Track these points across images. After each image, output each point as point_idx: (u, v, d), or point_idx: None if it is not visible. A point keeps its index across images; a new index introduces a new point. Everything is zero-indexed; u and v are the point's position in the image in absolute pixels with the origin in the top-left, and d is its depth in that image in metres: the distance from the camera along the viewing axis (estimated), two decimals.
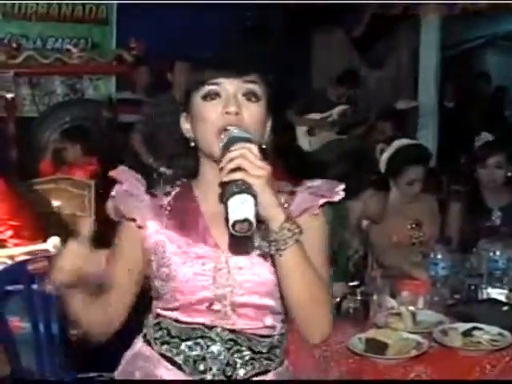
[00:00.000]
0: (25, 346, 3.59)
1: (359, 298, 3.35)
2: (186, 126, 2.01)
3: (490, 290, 3.59)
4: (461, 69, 9.27)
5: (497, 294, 3.57)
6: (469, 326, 3.15)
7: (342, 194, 2.04)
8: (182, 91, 2.03)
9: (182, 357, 1.97)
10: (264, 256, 1.93)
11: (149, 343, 2.04)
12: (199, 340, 1.96)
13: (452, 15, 7.69)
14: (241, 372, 1.97)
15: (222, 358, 1.96)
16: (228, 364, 1.96)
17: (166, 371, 1.99)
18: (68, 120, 7.10)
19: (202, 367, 1.96)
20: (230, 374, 1.96)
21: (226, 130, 1.85)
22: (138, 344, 2.08)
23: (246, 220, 1.69)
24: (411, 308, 3.32)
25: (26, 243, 4.63)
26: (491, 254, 3.74)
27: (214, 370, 1.95)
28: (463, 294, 3.60)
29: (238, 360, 1.96)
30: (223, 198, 1.74)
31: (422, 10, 7.75)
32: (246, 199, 1.71)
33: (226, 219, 1.71)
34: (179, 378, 1.97)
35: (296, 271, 1.86)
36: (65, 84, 7.76)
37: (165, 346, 1.99)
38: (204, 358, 1.96)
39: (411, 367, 2.90)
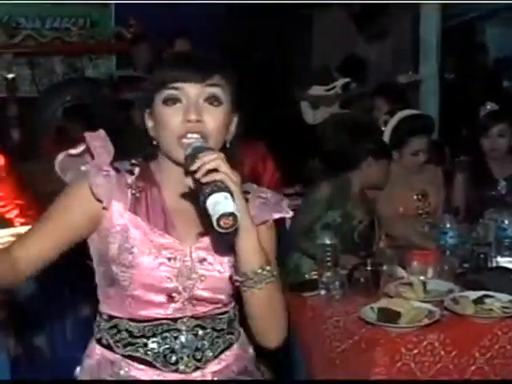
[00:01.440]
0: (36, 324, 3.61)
1: (369, 268, 3.36)
2: (149, 123, 1.95)
3: (499, 258, 3.63)
4: (461, 40, 9.24)
5: (506, 262, 3.60)
6: (480, 293, 3.18)
7: (290, 212, 2.03)
8: (146, 89, 1.95)
9: (151, 354, 1.95)
10: (225, 253, 1.92)
11: (109, 347, 1.97)
12: (166, 334, 1.94)
13: None
14: (209, 353, 1.97)
15: (190, 345, 1.95)
16: (197, 349, 1.96)
17: (138, 371, 1.95)
18: (69, 99, 7.02)
19: (173, 359, 1.95)
20: (199, 357, 1.96)
21: (186, 136, 1.84)
22: (95, 350, 2.01)
23: (231, 214, 1.66)
24: (421, 277, 3.34)
25: (32, 222, 4.63)
26: (499, 223, 3.75)
27: (185, 358, 1.95)
28: (472, 262, 3.62)
29: (205, 343, 1.97)
30: (201, 198, 1.70)
31: None
32: (226, 196, 1.69)
33: (207, 217, 1.69)
34: (152, 374, 1.95)
35: (263, 302, 1.88)
36: (64, 63, 7.73)
37: (129, 347, 1.95)
38: (173, 350, 1.95)
39: (424, 335, 2.93)
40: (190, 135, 1.83)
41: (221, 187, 1.70)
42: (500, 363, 3.00)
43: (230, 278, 1.90)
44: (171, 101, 1.87)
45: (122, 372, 1.95)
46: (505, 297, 3.14)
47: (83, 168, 1.96)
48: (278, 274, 1.91)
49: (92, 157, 1.96)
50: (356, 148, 4.20)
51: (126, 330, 1.95)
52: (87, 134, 2.01)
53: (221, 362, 1.99)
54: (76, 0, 7.55)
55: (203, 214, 1.75)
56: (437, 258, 3.55)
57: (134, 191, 1.94)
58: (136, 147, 2.06)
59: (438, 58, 7.96)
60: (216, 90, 1.88)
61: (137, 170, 1.98)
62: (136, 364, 1.95)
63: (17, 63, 7.32)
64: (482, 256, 3.61)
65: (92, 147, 1.97)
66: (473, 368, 2.97)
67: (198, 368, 1.96)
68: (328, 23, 9.00)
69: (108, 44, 7.69)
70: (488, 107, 4.76)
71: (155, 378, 1.94)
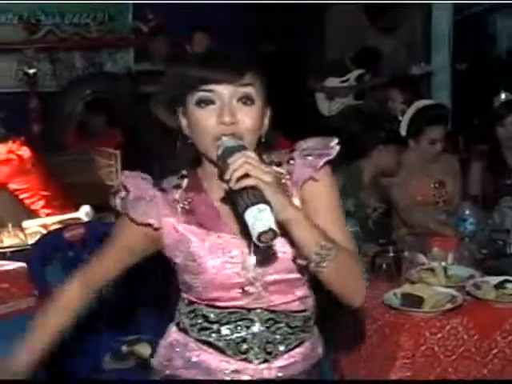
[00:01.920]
0: None
1: (391, 254, 3.36)
2: (183, 122, 1.96)
3: None
4: (472, 32, 9.21)
5: None
6: (500, 278, 3.18)
7: (337, 148, 1.97)
8: (176, 89, 1.94)
9: (223, 341, 1.97)
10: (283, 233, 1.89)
11: (184, 331, 2.03)
12: (239, 322, 1.96)
13: None
14: (280, 348, 1.98)
15: (262, 337, 1.97)
16: (268, 342, 1.97)
17: (207, 355, 1.99)
18: (89, 93, 7.08)
19: (243, 348, 1.97)
20: (270, 350, 1.98)
21: (221, 138, 1.84)
22: (173, 333, 2.07)
23: (269, 230, 1.66)
24: (442, 263, 3.34)
25: (57, 212, 4.66)
26: None
27: (256, 349, 1.97)
28: (490, 249, 3.61)
29: (277, 337, 1.98)
30: (238, 209, 1.71)
31: None
32: (262, 208, 1.68)
33: (247, 229, 1.70)
34: (221, 361, 1.97)
35: (333, 273, 1.85)
36: (84, 58, 7.79)
37: (203, 332, 1.99)
38: (245, 340, 1.97)
39: (447, 320, 2.93)
40: (224, 138, 1.83)
41: (255, 196, 1.69)
42: None
43: (295, 257, 1.89)
44: (204, 103, 1.87)
45: (193, 357, 2.00)
46: None
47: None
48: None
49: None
50: (367, 136, 4.19)
51: (203, 316, 1.99)
52: (123, 176, 2.08)
53: (290, 359, 2.00)
54: None
55: None
56: (456, 244, 3.56)
57: (182, 204, 1.98)
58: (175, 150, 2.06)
59: (449, 50, 7.95)
60: (249, 89, 1.87)
61: (185, 182, 2.01)
62: (207, 348, 1.98)
63: (38, 58, 7.32)
64: (501, 242, 3.60)
65: (128, 185, 2.02)
66: (495, 351, 2.97)
67: (266, 361, 1.97)
68: (341, 15, 8.97)
69: (126, 38, 7.72)
70: (503, 97, 4.76)
71: (223, 364, 1.97)
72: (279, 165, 1.97)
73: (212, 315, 1.97)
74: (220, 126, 1.84)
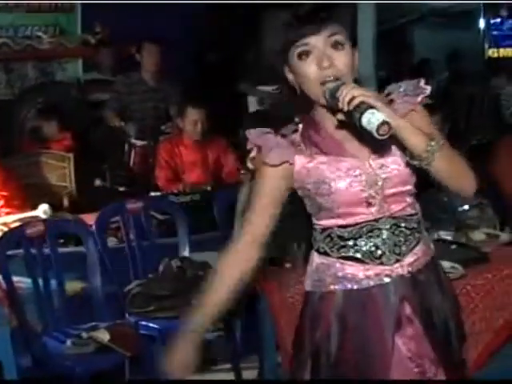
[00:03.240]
0: (27, 303, 3.66)
1: None
2: (290, 76, 2.14)
3: (440, 231, 3.73)
4: (393, 43, 9.44)
5: (444, 234, 3.71)
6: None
7: (428, 88, 2.15)
8: (279, 46, 2.13)
9: (360, 252, 2.14)
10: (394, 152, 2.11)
11: (325, 254, 2.19)
12: (370, 234, 2.14)
13: None
14: (404, 248, 2.14)
15: (390, 241, 2.13)
16: (395, 244, 2.13)
17: (350, 267, 2.15)
18: (41, 101, 7.07)
19: (378, 253, 2.14)
20: (398, 251, 2.14)
21: (325, 81, 2.02)
22: (315, 258, 2.22)
23: (384, 122, 1.86)
24: None
25: (16, 211, 4.67)
26: (440, 201, 3.87)
27: (387, 252, 2.13)
28: None
29: (401, 239, 2.14)
30: (357, 124, 1.90)
31: None
32: (373, 112, 1.88)
33: (368, 133, 1.90)
34: (363, 269, 2.14)
35: (445, 165, 2.02)
36: (36, 68, 7.73)
37: (342, 250, 2.15)
38: (377, 246, 2.13)
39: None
40: (328, 79, 2.01)
41: (364, 107, 1.88)
42: None
43: (408, 165, 2.07)
44: (304, 54, 2.05)
45: (338, 272, 2.16)
46: (446, 263, 3.21)
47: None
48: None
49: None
50: None
51: (338, 236, 2.16)
52: (249, 143, 2.22)
53: (413, 256, 2.15)
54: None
55: (361, 132, 1.95)
56: None
57: (303, 143, 2.17)
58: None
59: (373, 59, 8.07)
60: (338, 37, 2.05)
61: (300, 126, 2.20)
62: (349, 262, 2.15)
63: None
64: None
65: (258, 142, 2.19)
66: None
67: (397, 260, 2.14)
68: (277, 23, 9.04)
69: (76, 50, 7.70)
70: None
71: (364, 273, 2.15)
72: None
73: (346, 234, 2.14)
74: (321, 72, 2.03)
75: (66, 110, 6.80)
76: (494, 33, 10.63)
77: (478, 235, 3.66)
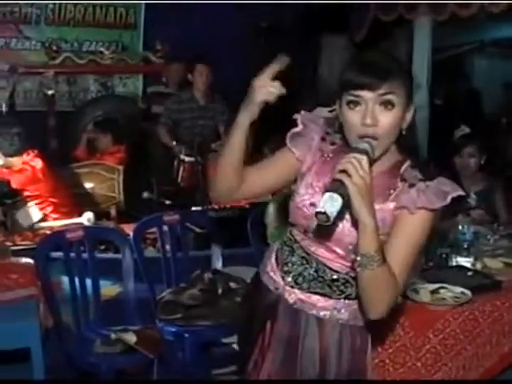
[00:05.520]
0: (64, 304, 3.83)
1: None
2: (338, 111, 2.21)
3: (458, 258, 3.83)
4: (449, 71, 9.47)
5: (463, 261, 3.80)
6: (436, 285, 3.37)
7: (448, 198, 2.17)
8: (336, 85, 2.20)
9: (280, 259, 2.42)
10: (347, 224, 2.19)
11: None
12: (287, 248, 2.39)
13: (442, 21, 7.82)
14: (304, 285, 2.32)
15: (298, 268, 2.34)
16: (301, 275, 2.33)
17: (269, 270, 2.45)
18: (100, 113, 7.33)
19: (285, 269, 2.37)
20: (300, 283, 2.33)
21: (363, 137, 2.09)
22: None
23: (324, 213, 1.92)
24: None
25: (63, 217, 4.94)
26: (460, 227, 3.96)
27: (291, 276, 2.35)
28: (435, 261, 3.82)
29: (306, 275, 2.32)
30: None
31: (414, 16, 7.89)
32: (336, 198, 1.93)
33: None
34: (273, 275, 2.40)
35: (366, 283, 2.08)
36: (98, 82, 8.08)
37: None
38: (287, 263, 2.37)
39: (386, 319, 3.12)
40: (366, 139, 2.08)
41: (338, 187, 1.95)
42: (450, 344, 3.20)
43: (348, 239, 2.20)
44: (353, 103, 2.11)
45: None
46: (457, 288, 3.33)
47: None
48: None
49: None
50: None
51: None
52: (302, 118, 2.39)
53: (307, 299, 2.37)
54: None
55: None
56: None
57: (323, 155, 2.32)
58: None
59: (428, 86, 8.15)
60: (390, 97, 2.09)
61: (338, 142, 2.32)
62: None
63: (56, 81, 7.62)
64: (444, 256, 3.83)
65: (300, 123, 2.37)
66: (427, 347, 3.16)
67: (292, 287, 2.38)
68: (334, 48, 9.19)
69: (137, 66, 7.95)
70: (461, 130, 5.00)
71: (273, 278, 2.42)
72: (402, 179, 2.21)
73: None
74: (363, 128, 2.10)
75: (123, 123, 7.03)
76: None
77: (495, 263, 3.74)
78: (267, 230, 4.36)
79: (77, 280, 3.87)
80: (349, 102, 2.11)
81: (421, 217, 2.15)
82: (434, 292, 3.33)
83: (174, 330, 3.83)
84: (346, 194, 1.94)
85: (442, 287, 3.37)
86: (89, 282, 3.92)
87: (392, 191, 2.19)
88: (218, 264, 4.37)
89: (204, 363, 4.09)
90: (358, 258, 2.03)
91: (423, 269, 3.70)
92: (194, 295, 3.98)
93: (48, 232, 4.37)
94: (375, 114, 2.08)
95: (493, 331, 3.32)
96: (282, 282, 2.35)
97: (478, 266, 3.71)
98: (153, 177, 6.28)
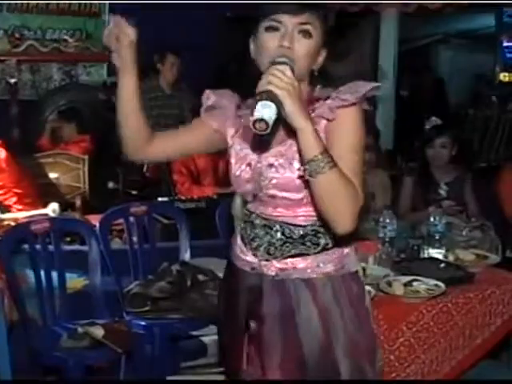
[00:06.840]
0: (29, 298, 3.75)
1: None
2: (252, 47, 2.21)
3: (430, 250, 3.81)
4: (414, 62, 9.49)
5: (435, 253, 3.79)
6: (410, 278, 3.36)
7: (368, 87, 2.11)
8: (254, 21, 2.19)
9: (246, 238, 2.34)
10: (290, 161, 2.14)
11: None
12: (247, 224, 2.33)
13: (409, 13, 7.84)
14: (277, 253, 2.23)
15: (265, 238, 2.26)
16: (269, 244, 2.25)
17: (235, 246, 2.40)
18: (64, 102, 7.20)
19: (254, 245, 2.29)
20: (272, 252, 2.24)
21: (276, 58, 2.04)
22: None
23: (262, 120, 1.86)
24: (362, 264, 3.52)
25: (27, 209, 4.80)
26: (431, 219, 3.94)
27: (261, 248, 2.26)
28: (408, 252, 3.81)
29: (275, 241, 2.24)
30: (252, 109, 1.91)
31: (381, 8, 7.90)
32: (269, 105, 1.87)
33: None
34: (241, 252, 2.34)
35: (325, 190, 1.99)
36: (61, 70, 7.91)
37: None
38: (253, 239, 2.29)
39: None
40: (279, 59, 2.03)
41: (266, 96, 1.88)
42: (424, 336, 3.20)
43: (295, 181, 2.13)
44: (272, 29, 2.12)
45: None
46: (431, 281, 3.33)
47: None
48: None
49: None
50: None
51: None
52: (211, 92, 2.40)
53: (284, 265, 2.26)
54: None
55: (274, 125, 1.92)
56: (376, 247, 3.73)
57: (243, 119, 2.29)
58: None
59: (394, 77, 8.18)
60: (309, 27, 2.11)
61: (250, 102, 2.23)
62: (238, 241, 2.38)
63: (19, 69, 7.49)
64: (416, 247, 3.81)
65: (212, 95, 2.39)
66: (401, 340, 3.15)
67: (267, 260, 2.28)
68: None
69: (101, 54, 7.82)
70: (432, 121, 4.99)
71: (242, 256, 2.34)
72: (317, 100, 2.17)
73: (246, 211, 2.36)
74: (279, 49, 2.08)
75: (87, 112, 6.93)
76: (508, 56, 10.50)
77: (467, 255, 3.72)
78: (235, 222, 4.29)
79: (42, 273, 3.78)
80: (268, 28, 2.13)
81: (345, 118, 2.09)
82: (406, 284, 3.31)
83: (143, 323, 3.77)
84: (276, 100, 1.89)
85: (415, 280, 3.36)
86: (54, 274, 3.84)
87: (311, 112, 2.11)
88: (186, 255, 4.29)
89: (173, 356, 4.03)
90: (307, 167, 1.96)
91: (395, 261, 3.69)
92: (163, 288, 3.93)
93: (12, 224, 4.25)
94: (293, 38, 2.10)
95: (466, 324, 3.32)
96: (255, 260, 2.27)
97: (451, 257, 3.70)
98: (118, 167, 6.16)
